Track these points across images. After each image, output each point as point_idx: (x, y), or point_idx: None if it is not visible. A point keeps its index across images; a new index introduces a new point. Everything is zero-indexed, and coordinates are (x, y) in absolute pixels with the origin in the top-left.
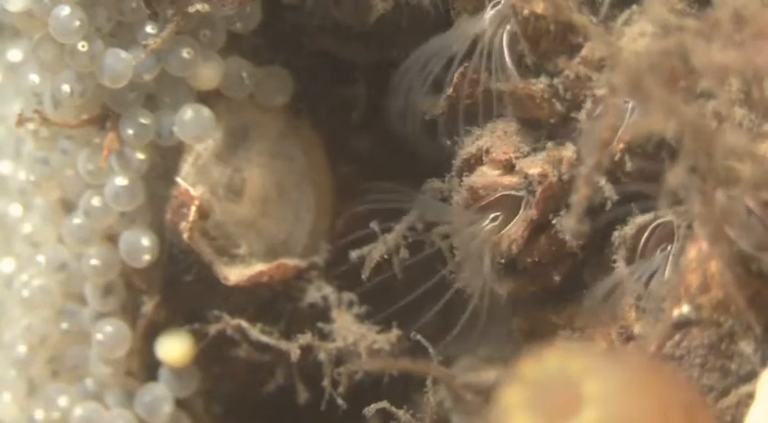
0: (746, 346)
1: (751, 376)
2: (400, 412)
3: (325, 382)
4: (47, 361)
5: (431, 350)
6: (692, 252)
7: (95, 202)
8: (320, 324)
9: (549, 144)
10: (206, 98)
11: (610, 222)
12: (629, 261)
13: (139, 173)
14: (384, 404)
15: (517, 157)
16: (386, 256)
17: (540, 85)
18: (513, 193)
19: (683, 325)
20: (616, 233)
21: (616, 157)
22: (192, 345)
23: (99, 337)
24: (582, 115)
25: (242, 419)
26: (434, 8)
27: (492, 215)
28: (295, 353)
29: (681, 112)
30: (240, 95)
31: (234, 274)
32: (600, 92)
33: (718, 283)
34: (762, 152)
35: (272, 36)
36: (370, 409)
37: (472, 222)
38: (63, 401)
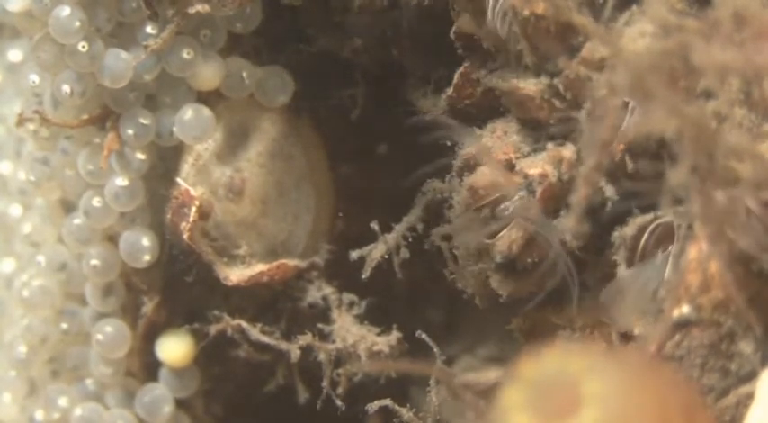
0: (746, 346)
1: (751, 376)
2: (403, 410)
3: (325, 383)
4: (47, 361)
5: (435, 350)
6: (692, 252)
7: (95, 202)
8: (320, 325)
9: (549, 144)
10: (206, 98)
11: (610, 222)
12: (630, 261)
13: (139, 173)
14: (387, 402)
15: (517, 158)
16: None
17: (540, 85)
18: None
19: (683, 325)
20: (616, 233)
21: (616, 158)
22: (193, 345)
23: (99, 337)
24: (582, 115)
25: (242, 419)
26: (434, 8)
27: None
28: (295, 353)
29: (683, 112)
30: (240, 95)
31: (234, 275)
32: (600, 92)
33: (718, 283)
34: (762, 152)
35: (272, 36)
36: (373, 406)
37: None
38: (63, 402)
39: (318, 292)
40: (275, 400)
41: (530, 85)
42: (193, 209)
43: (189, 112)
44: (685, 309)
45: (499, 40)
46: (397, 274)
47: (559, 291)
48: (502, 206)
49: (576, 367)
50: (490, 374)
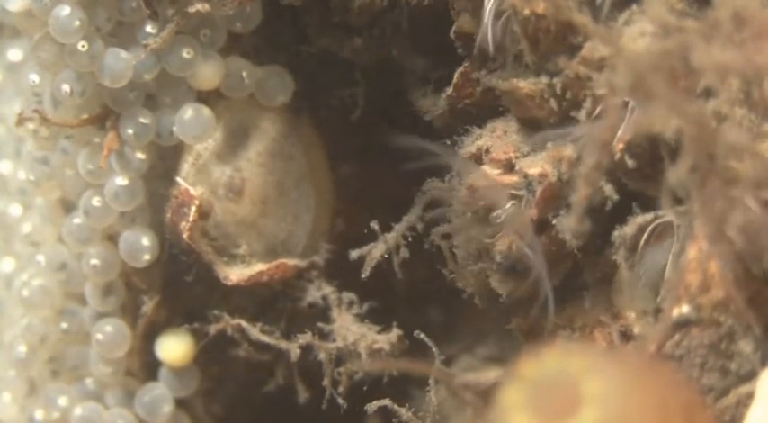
0: (746, 346)
1: (751, 376)
2: (402, 410)
3: (326, 382)
4: (47, 361)
5: (434, 349)
6: (692, 252)
7: (95, 201)
8: (320, 324)
9: (549, 144)
10: (206, 98)
11: (610, 222)
12: (630, 261)
13: (139, 173)
14: (386, 402)
15: (517, 157)
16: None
17: (540, 84)
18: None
19: (682, 325)
20: (616, 233)
21: (616, 157)
22: (192, 344)
23: (99, 336)
24: (582, 115)
25: (242, 419)
26: (434, 8)
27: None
28: (295, 352)
29: (684, 111)
30: (240, 95)
31: (234, 274)
32: (600, 91)
33: (718, 283)
34: (762, 151)
35: (272, 36)
36: (372, 406)
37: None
38: (63, 401)
39: (318, 291)
40: (275, 400)
41: (530, 85)
42: (193, 208)
43: (189, 112)
44: (685, 308)
45: (497, 41)
46: (397, 273)
47: (559, 291)
48: (494, 214)
49: (576, 367)
50: (490, 374)
